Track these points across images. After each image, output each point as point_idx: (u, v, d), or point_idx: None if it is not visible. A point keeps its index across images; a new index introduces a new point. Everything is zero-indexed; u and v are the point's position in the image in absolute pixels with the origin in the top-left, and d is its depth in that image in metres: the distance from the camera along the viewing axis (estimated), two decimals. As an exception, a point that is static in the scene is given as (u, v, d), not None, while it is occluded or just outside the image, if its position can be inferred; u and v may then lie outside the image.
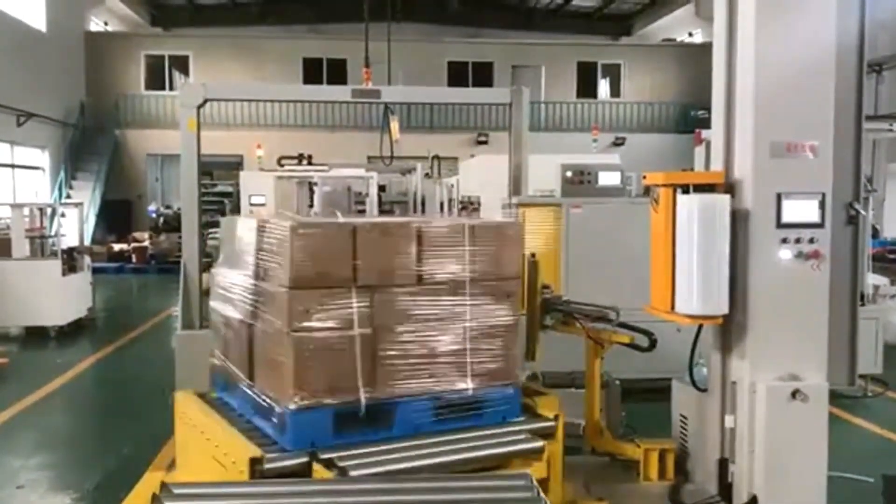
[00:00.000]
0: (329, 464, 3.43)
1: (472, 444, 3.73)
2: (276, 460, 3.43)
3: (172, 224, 21.84)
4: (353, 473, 3.36)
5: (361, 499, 3.04)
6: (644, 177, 4.39)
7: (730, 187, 4.15)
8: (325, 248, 3.60)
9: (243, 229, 4.04)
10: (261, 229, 3.81)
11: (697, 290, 3.97)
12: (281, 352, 3.59)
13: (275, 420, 3.62)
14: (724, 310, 4.03)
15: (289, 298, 3.52)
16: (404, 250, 3.75)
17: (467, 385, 3.87)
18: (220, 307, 4.28)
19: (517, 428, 3.93)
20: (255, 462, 3.39)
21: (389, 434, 3.68)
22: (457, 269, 3.86)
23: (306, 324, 3.53)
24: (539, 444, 3.82)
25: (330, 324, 3.57)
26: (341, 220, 3.79)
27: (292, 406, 3.50)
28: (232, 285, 4.09)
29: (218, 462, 3.68)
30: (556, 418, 4.02)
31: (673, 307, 4.08)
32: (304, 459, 3.46)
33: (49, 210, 13.05)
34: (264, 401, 3.73)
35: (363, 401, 3.60)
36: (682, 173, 4.58)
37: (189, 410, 4.17)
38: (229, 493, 3.04)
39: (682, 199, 4.06)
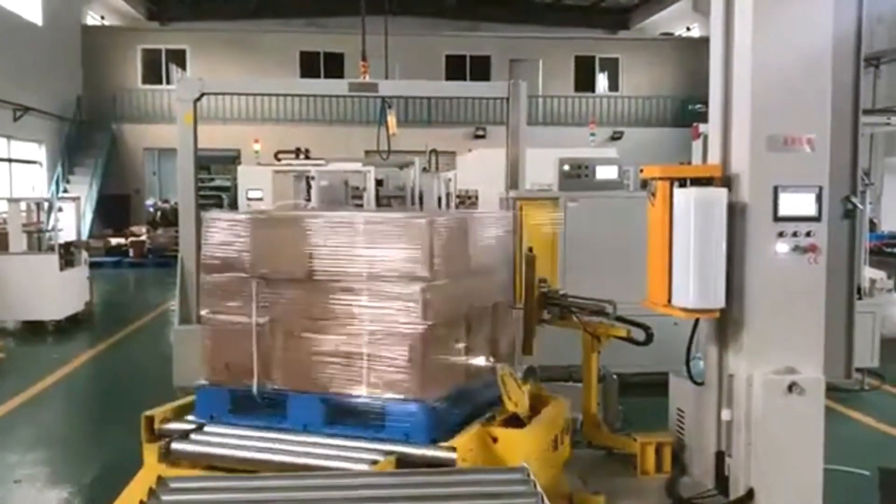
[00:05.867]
0: None
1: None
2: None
3: (170, 218, 21.82)
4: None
5: (360, 492, 3.04)
6: (641, 170, 4.39)
7: (727, 181, 4.15)
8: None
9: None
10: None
11: (694, 284, 3.97)
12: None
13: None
14: (721, 303, 4.04)
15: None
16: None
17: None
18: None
19: (381, 447, 3.57)
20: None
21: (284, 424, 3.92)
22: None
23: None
24: (363, 467, 3.42)
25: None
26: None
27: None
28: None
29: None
30: (453, 449, 3.51)
31: (670, 301, 4.08)
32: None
33: (46, 204, 13.00)
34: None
35: None
36: (679, 167, 4.58)
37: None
38: (225, 487, 3.05)
39: (679, 192, 4.06)
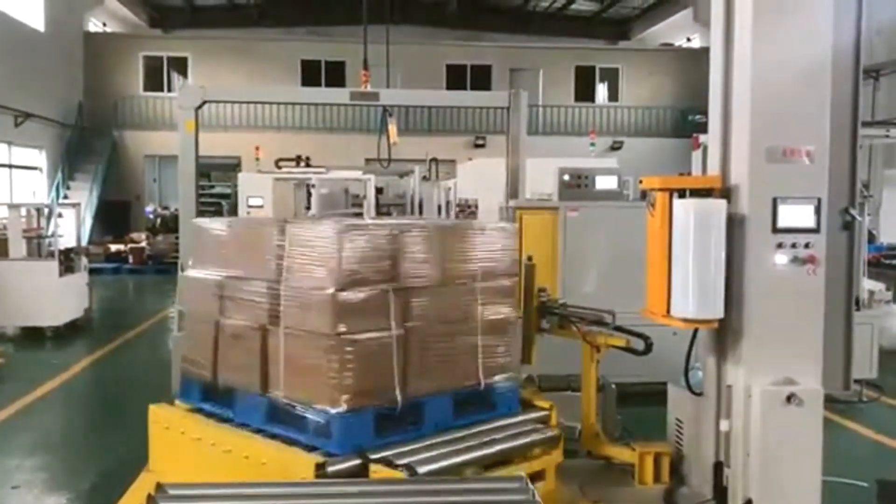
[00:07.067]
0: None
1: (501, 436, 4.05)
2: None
3: (170, 225, 21.82)
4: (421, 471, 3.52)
5: (359, 500, 3.04)
6: (641, 181, 4.40)
7: (726, 192, 4.16)
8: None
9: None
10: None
11: (693, 294, 3.98)
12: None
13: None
14: (720, 314, 4.04)
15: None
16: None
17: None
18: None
19: (527, 417, 4.30)
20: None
21: (420, 431, 3.89)
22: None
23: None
24: (556, 431, 4.21)
25: None
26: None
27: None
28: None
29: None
30: (551, 408, 4.42)
31: (669, 311, 4.09)
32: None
33: (46, 210, 13.02)
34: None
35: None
36: (678, 178, 4.59)
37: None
38: (224, 494, 3.05)
39: (678, 203, 4.07)
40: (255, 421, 3.98)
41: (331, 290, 3.61)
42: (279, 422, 3.87)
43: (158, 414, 4.40)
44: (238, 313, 4.10)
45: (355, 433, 3.60)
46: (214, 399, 4.26)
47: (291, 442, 3.77)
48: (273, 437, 3.85)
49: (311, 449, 3.66)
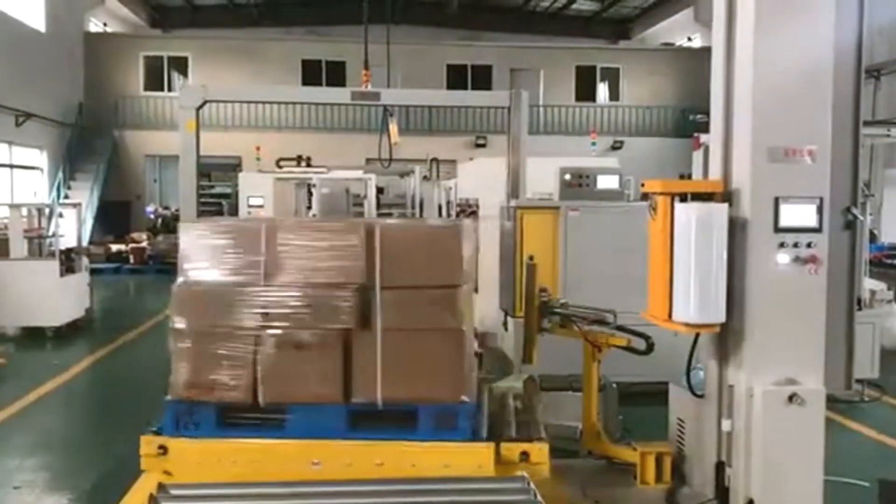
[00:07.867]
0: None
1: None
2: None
3: (170, 225, 21.82)
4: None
5: (359, 500, 3.05)
6: (642, 185, 4.39)
7: (727, 195, 4.15)
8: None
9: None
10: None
11: (695, 299, 3.97)
12: None
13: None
14: (722, 318, 4.03)
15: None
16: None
17: None
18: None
19: None
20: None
21: None
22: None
23: None
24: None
25: None
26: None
27: None
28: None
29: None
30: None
31: (670, 315, 4.08)
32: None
33: (47, 210, 13.01)
34: None
35: None
36: (679, 182, 4.58)
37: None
38: (225, 494, 3.05)
39: (679, 208, 4.06)
40: (330, 431, 3.77)
41: (458, 286, 3.86)
42: (367, 426, 3.78)
43: (188, 449, 3.82)
44: (300, 322, 3.84)
45: (474, 421, 3.83)
46: (240, 423, 3.88)
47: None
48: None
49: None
